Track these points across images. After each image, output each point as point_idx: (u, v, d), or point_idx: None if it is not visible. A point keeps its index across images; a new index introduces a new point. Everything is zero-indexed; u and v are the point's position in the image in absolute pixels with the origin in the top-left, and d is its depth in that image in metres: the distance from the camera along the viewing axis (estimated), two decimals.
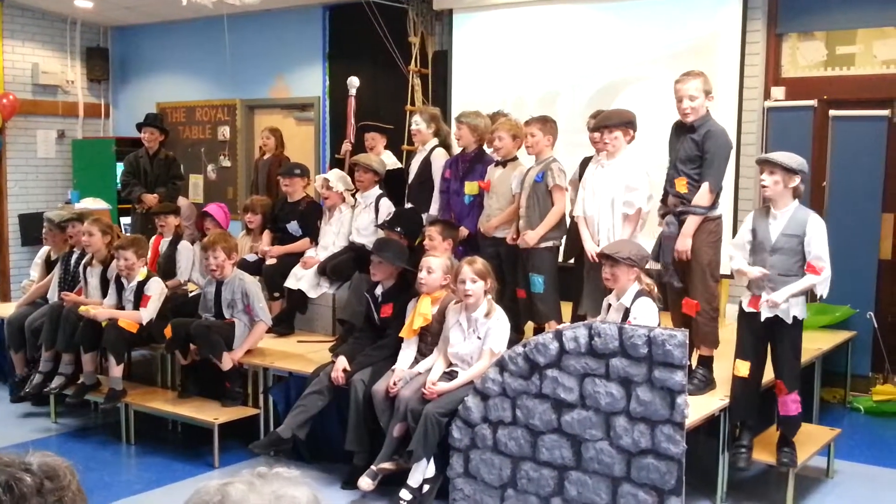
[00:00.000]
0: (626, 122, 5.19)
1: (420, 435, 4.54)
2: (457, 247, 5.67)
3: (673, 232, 4.90)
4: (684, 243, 4.85)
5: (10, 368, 6.81)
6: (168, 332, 5.73)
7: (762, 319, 4.46)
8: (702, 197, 4.83)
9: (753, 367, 4.55)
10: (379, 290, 5.34)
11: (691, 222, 4.84)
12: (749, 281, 4.57)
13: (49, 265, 6.98)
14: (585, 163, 5.60)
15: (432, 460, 4.63)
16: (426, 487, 4.62)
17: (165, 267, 6.76)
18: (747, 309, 4.54)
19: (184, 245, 6.88)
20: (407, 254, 5.48)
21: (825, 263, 4.39)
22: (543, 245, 5.50)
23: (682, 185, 4.89)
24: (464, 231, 5.90)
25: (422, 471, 4.60)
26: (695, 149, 4.86)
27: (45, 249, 7.15)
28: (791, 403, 4.54)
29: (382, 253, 5.33)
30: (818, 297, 4.53)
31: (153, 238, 6.97)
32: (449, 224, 5.82)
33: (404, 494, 4.57)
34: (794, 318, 4.46)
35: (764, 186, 4.48)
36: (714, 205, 4.91)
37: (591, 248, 5.12)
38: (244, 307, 5.73)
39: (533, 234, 5.44)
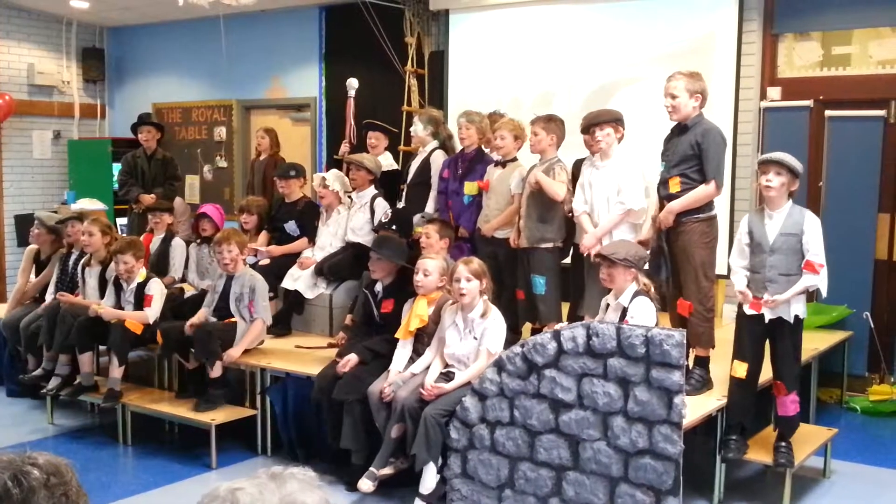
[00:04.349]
0: (615, 119, 5.21)
1: (422, 438, 4.51)
2: (453, 245, 5.66)
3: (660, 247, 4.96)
4: (668, 218, 4.83)
5: (7, 367, 6.81)
6: (159, 338, 5.72)
7: (766, 321, 4.46)
8: (707, 194, 4.81)
9: (751, 368, 4.56)
10: (378, 287, 5.35)
11: (685, 201, 4.82)
12: (748, 282, 4.56)
13: (38, 265, 6.94)
14: (578, 164, 5.61)
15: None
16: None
17: (157, 264, 6.73)
18: (748, 311, 4.52)
19: (177, 242, 6.86)
20: (406, 251, 5.49)
21: (823, 261, 4.41)
22: (544, 246, 5.50)
23: (675, 185, 4.89)
24: (462, 231, 5.90)
25: (432, 475, 4.56)
26: (689, 148, 4.86)
27: (31, 248, 7.07)
28: (790, 404, 4.55)
29: (382, 250, 5.34)
30: (817, 295, 4.54)
31: (143, 236, 6.94)
32: (446, 223, 5.83)
33: None
34: (796, 316, 4.47)
35: (769, 187, 4.46)
36: (709, 204, 4.91)
37: (588, 243, 5.11)
38: (248, 302, 5.72)
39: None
